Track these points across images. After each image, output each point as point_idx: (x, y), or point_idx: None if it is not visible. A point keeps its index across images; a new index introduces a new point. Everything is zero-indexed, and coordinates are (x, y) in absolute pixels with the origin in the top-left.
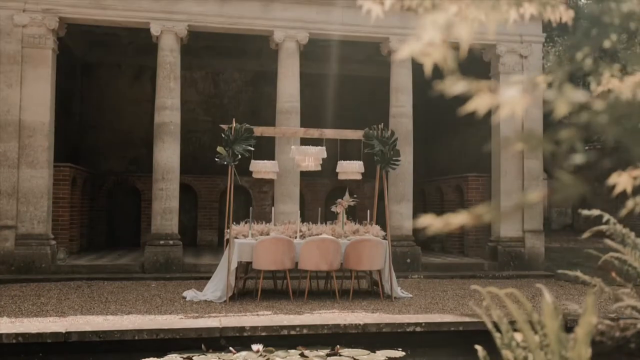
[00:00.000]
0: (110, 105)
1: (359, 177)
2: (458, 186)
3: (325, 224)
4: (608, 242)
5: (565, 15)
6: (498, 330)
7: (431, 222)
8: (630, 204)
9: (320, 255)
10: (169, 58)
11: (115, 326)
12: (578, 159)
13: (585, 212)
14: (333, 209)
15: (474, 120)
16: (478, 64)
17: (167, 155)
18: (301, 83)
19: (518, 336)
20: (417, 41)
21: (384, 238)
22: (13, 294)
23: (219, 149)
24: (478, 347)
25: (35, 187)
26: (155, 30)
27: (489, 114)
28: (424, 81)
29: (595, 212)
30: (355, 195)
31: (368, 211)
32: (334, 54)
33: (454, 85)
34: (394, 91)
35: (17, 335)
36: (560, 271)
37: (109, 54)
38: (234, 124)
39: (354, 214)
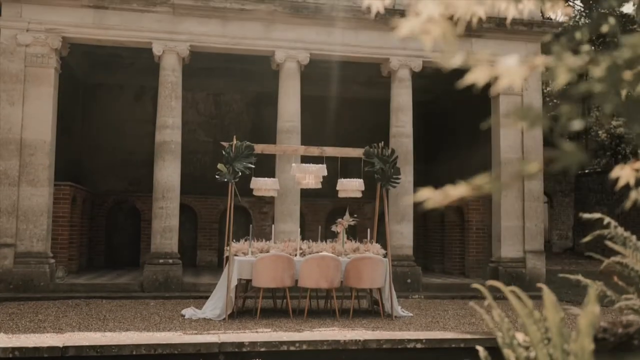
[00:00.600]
0: (112, 126)
1: (359, 195)
2: (458, 207)
3: (326, 242)
4: (610, 244)
5: (565, 12)
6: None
7: (430, 195)
8: (633, 195)
9: (321, 273)
10: (171, 77)
11: (113, 341)
12: (577, 125)
13: (586, 215)
14: (333, 228)
15: (474, 140)
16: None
17: (168, 173)
18: (302, 105)
19: (519, 335)
20: (416, 17)
21: (385, 256)
22: (11, 312)
23: (220, 166)
24: (479, 348)
25: (35, 205)
26: (157, 50)
27: (489, 134)
28: (424, 101)
29: (596, 215)
30: (355, 215)
31: (368, 230)
32: (335, 76)
33: (453, 58)
34: (394, 111)
35: (13, 349)
36: (561, 275)
37: (111, 74)
38: (234, 142)
39: (354, 234)
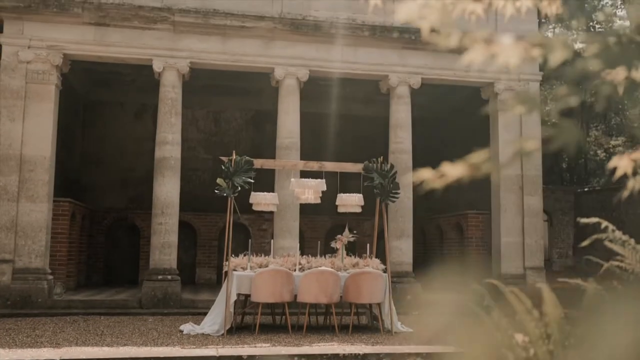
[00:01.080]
0: (112, 143)
1: (359, 209)
2: (458, 224)
3: (325, 258)
4: (609, 244)
5: (562, 9)
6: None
7: (427, 176)
8: (630, 183)
9: (320, 288)
10: (171, 94)
11: (111, 355)
12: (573, 101)
13: (583, 220)
14: (333, 244)
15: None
16: (477, 101)
17: (167, 189)
18: (301, 122)
19: (518, 336)
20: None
21: (384, 271)
22: (7, 327)
23: (219, 180)
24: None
25: (34, 221)
26: (157, 66)
27: (488, 145)
28: (423, 118)
29: (594, 219)
30: (354, 232)
31: (368, 245)
32: (334, 93)
33: (449, 38)
34: (393, 127)
35: None
36: (560, 279)
37: (111, 91)
38: (234, 156)
39: (353, 251)
